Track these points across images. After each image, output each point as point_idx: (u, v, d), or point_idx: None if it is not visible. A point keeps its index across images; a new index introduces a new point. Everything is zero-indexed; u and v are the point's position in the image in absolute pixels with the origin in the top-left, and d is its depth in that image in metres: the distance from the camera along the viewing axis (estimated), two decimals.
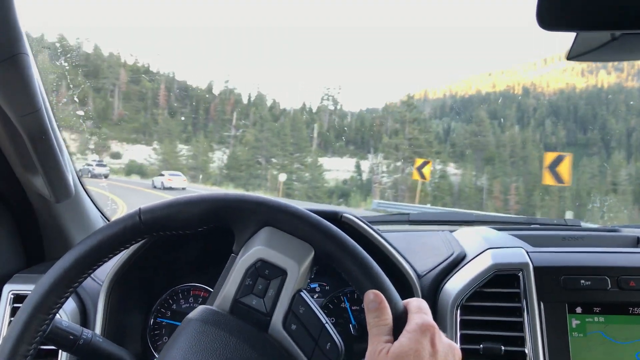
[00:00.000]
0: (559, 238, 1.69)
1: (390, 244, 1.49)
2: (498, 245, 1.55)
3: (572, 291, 1.37)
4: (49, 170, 1.33)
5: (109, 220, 1.89)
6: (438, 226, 2.09)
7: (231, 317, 0.91)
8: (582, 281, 1.37)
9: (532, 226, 2.02)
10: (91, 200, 1.82)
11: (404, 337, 0.83)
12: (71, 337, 1.06)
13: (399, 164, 33.27)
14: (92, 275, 1.25)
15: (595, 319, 1.35)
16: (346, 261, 0.92)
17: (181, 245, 1.57)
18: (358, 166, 35.70)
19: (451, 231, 1.89)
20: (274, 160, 33.52)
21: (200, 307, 0.93)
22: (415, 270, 1.51)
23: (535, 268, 1.40)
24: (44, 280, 0.93)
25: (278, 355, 0.88)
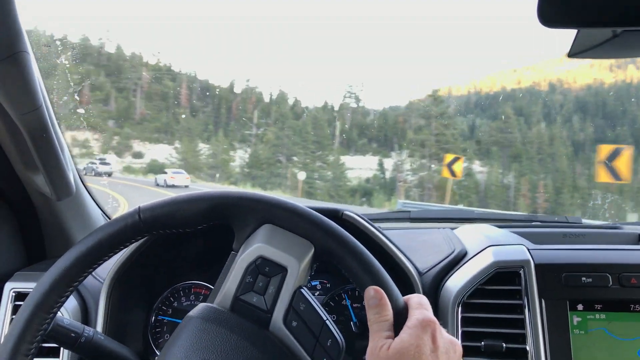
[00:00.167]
0: (560, 235, 1.69)
1: (392, 242, 1.48)
2: (499, 242, 1.55)
3: (574, 288, 1.37)
4: (49, 168, 1.33)
5: (109, 218, 1.89)
6: (439, 223, 2.09)
7: (232, 315, 0.91)
8: (584, 278, 1.37)
9: (533, 223, 2.02)
10: (92, 198, 1.83)
11: (404, 333, 0.83)
12: (73, 334, 1.06)
13: (424, 161, 31.74)
14: (93, 273, 1.26)
15: (597, 316, 1.35)
16: (346, 258, 0.92)
17: (182, 243, 1.57)
18: (381, 164, 34.77)
19: (452, 229, 1.89)
20: (295, 158, 33.11)
21: (201, 305, 0.93)
22: (416, 268, 1.51)
23: (536, 265, 1.40)
24: (44, 279, 0.93)
25: (279, 352, 0.88)
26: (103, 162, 24.10)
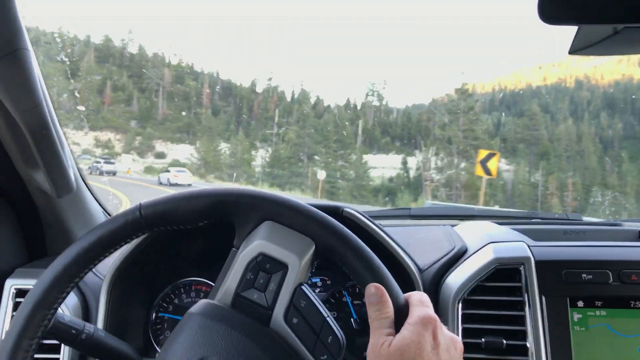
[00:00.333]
0: (561, 232, 1.69)
1: (392, 239, 1.49)
2: (499, 239, 1.55)
3: (574, 285, 1.37)
4: (50, 165, 1.34)
5: (110, 215, 1.89)
6: (439, 220, 2.10)
7: (233, 311, 0.91)
8: (584, 275, 1.36)
9: (533, 220, 2.02)
10: (92, 195, 1.83)
11: (405, 330, 0.83)
12: (73, 331, 1.07)
13: (452, 158, 30.59)
14: (93, 270, 1.27)
15: (597, 312, 1.35)
16: (347, 255, 0.92)
17: (183, 239, 1.58)
18: (405, 163, 34.39)
19: (452, 225, 1.89)
20: (316, 157, 32.93)
21: (202, 302, 0.93)
22: (416, 265, 1.51)
23: (536, 262, 1.40)
24: (45, 275, 0.93)
25: (280, 349, 0.88)
26: (107, 162, 24.44)
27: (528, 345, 1.32)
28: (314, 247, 0.95)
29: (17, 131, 1.28)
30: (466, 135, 29.98)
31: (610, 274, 1.36)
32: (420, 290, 1.42)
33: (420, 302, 0.89)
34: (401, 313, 0.88)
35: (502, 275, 1.41)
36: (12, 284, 1.48)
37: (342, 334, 0.92)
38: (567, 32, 0.93)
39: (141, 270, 1.51)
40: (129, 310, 1.52)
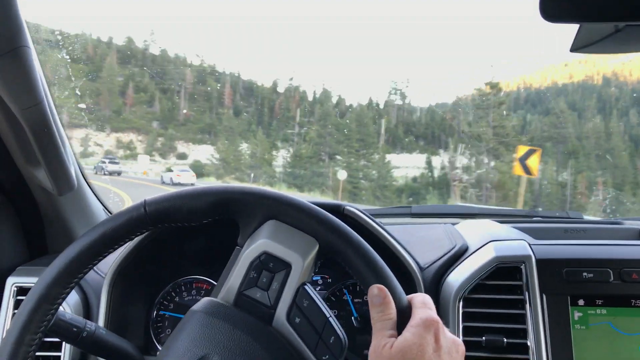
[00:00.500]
0: (561, 230, 1.69)
1: (393, 237, 1.48)
2: (500, 237, 1.55)
3: (575, 283, 1.37)
4: (51, 163, 1.34)
5: (111, 213, 1.87)
6: (440, 219, 2.10)
7: (235, 310, 0.91)
8: (585, 274, 1.36)
9: (534, 219, 2.02)
10: (94, 193, 1.83)
11: (407, 332, 0.83)
12: (74, 329, 1.07)
13: (482, 157, 28.55)
14: (95, 268, 1.27)
15: (598, 311, 1.35)
16: (351, 255, 0.93)
17: (184, 238, 1.58)
18: (429, 162, 33.72)
19: (453, 224, 1.89)
20: (338, 157, 32.58)
21: (205, 299, 0.94)
22: (417, 263, 1.51)
23: (537, 260, 1.39)
24: (49, 271, 0.93)
25: (282, 348, 0.88)
26: (112, 161, 24.61)
27: (529, 343, 1.32)
28: (317, 246, 0.95)
29: (18, 129, 1.28)
30: (497, 132, 28.26)
31: (611, 272, 1.36)
32: (421, 288, 1.43)
33: (423, 304, 0.89)
34: (404, 315, 0.88)
35: (503, 273, 1.40)
36: (13, 282, 1.49)
37: (344, 335, 0.93)
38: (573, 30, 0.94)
39: (142, 268, 1.51)
40: (130, 308, 1.52)
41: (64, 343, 1.39)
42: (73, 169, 1.44)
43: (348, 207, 1.47)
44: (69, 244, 0.96)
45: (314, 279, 1.64)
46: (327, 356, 0.90)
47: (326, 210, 0.97)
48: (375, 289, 0.89)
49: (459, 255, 1.55)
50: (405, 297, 0.92)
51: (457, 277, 1.44)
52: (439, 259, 1.55)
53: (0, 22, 1.04)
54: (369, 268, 0.92)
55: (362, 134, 32.68)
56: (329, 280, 1.64)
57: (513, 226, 1.69)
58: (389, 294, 0.89)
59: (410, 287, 1.43)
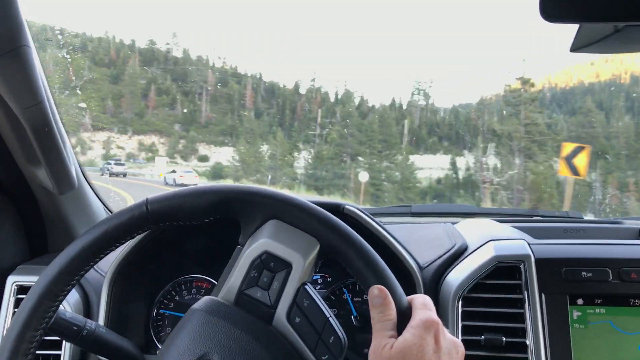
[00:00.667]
0: (561, 230, 1.69)
1: (392, 236, 1.49)
2: (500, 237, 1.55)
3: (574, 283, 1.37)
4: (51, 162, 1.34)
5: (111, 212, 1.88)
6: (440, 218, 2.10)
7: (236, 309, 0.92)
8: (584, 273, 1.37)
9: (533, 218, 2.02)
10: (94, 192, 1.84)
11: (407, 333, 0.84)
12: (75, 327, 1.07)
13: (513, 157, 26.43)
14: (95, 266, 1.28)
15: (597, 310, 1.36)
16: (352, 256, 0.93)
17: (184, 237, 1.59)
18: (453, 163, 33.04)
19: (453, 223, 1.89)
20: (360, 158, 32.26)
21: (205, 298, 0.94)
22: (417, 262, 1.51)
23: (536, 260, 1.40)
24: (51, 268, 0.94)
25: (282, 348, 0.89)
26: (118, 163, 25.07)
27: (527, 342, 1.32)
28: (318, 247, 0.95)
29: (19, 128, 1.29)
30: (529, 130, 26.52)
31: (610, 272, 1.36)
32: (420, 287, 1.44)
33: (423, 305, 0.90)
34: (404, 316, 0.88)
35: (502, 272, 1.41)
36: (13, 281, 1.49)
37: (344, 335, 0.93)
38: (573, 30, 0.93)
39: (142, 267, 1.52)
40: (130, 307, 1.53)
41: (64, 342, 1.40)
42: (74, 169, 1.44)
43: (348, 207, 1.48)
44: (69, 243, 0.96)
45: (314, 278, 1.65)
46: (326, 356, 0.90)
47: (326, 210, 0.97)
48: (376, 290, 0.89)
49: (459, 254, 1.55)
50: (406, 298, 0.92)
51: (457, 276, 1.44)
52: (439, 258, 1.55)
53: (0, 22, 1.05)
54: (369, 269, 0.92)
55: (385, 135, 32.21)
56: (329, 279, 1.65)
57: (513, 226, 1.69)
58: (389, 294, 0.89)
59: (410, 286, 1.43)
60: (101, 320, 1.42)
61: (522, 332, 1.34)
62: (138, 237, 1.41)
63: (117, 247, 0.98)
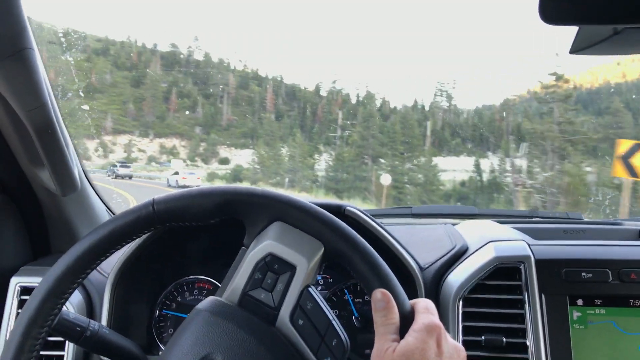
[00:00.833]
0: (561, 231, 1.70)
1: (393, 237, 1.49)
2: (500, 238, 1.55)
3: (574, 283, 1.37)
4: (55, 164, 1.34)
5: (114, 214, 1.90)
6: (441, 219, 2.10)
7: (239, 310, 0.92)
8: (584, 274, 1.37)
9: (534, 219, 2.02)
10: (97, 194, 1.84)
11: (410, 337, 0.84)
12: (78, 328, 1.07)
13: (547, 158, 24.09)
14: (98, 268, 1.29)
15: (597, 311, 1.36)
16: (356, 259, 0.93)
17: (186, 238, 1.60)
18: (477, 165, 32.52)
19: (453, 224, 1.90)
20: (382, 160, 31.91)
21: (210, 298, 0.95)
22: (417, 263, 1.52)
23: (536, 261, 1.40)
24: (57, 266, 0.94)
25: (284, 349, 0.89)
26: (123, 165, 25.52)
27: (528, 343, 1.33)
28: (322, 249, 0.96)
29: (22, 130, 1.29)
30: (563, 129, 24.38)
31: (610, 272, 1.36)
32: (421, 288, 1.44)
33: (425, 310, 0.90)
34: (406, 320, 0.88)
35: (503, 273, 1.41)
36: (17, 282, 1.50)
37: (347, 338, 0.93)
38: (572, 32, 0.93)
39: (145, 268, 1.52)
40: (132, 308, 1.54)
41: (67, 342, 1.41)
42: (76, 170, 1.45)
43: (349, 208, 1.48)
44: (72, 244, 0.97)
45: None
46: (329, 359, 0.91)
47: (327, 211, 0.98)
48: (379, 294, 0.89)
49: (459, 255, 1.56)
50: (409, 302, 0.92)
51: (457, 277, 1.45)
52: (439, 259, 1.55)
53: (4, 25, 1.06)
54: (373, 273, 0.92)
55: (407, 137, 31.73)
56: (330, 280, 1.65)
57: (513, 227, 1.70)
58: (392, 298, 0.89)
59: (411, 287, 1.43)
60: (104, 321, 1.43)
61: (523, 333, 1.35)
62: (140, 238, 1.42)
63: (122, 246, 0.99)
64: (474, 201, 26.90)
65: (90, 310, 1.51)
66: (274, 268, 0.95)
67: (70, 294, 0.96)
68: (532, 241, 1.50)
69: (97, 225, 0.99)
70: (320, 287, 1.64)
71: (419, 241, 1.70)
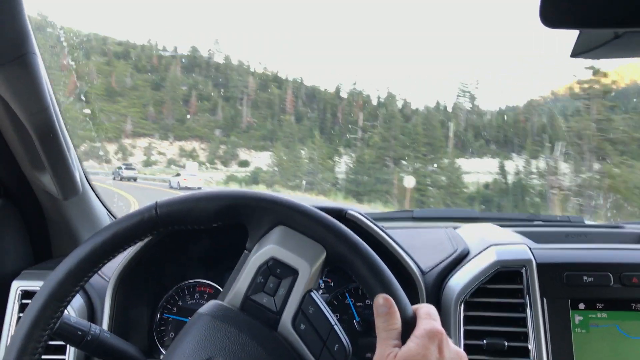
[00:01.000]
0: (562, 234, 1.70)
1: (395, 241, 1.49)
2: (501, 241, 1.55)
3: (575, 287, 1.37)
4: (56, 168, 1.35)
5: (115, 217, 1.91)
6: (442, 223, 2.09)
7: (241, 314, 0.92)
8: (585, 277, 1.37)
9: (535, 223, 2.02)
10: (98, 197, 1.84)
11: (412, 342, 0.84)
12: (79, 332, 1.07)
13: (584, 159, 21.75)
14: (99, 272, 1.30)
15: (598, 315, 1.35)
16: (358, 264, 0.93)
17: (187, 242, 1.60)
18: (502, 167, 31.95)
19: (455, 228, 1.90)
20: (403, 162, 31.52)
21: (212, 302, 0.95)
22: (419, 267, 1.51)
23: (538, 264, 1.40)
24: (60, 269, 0.94)
25: (286, 354, 0.89)
26: (128, 167, 25.90)
27: (529, 347, 1.32)
28: (325, 254, 0.95)
29: (24, 134, 1.30)
30: (601, 128, 22.23)
31: (612, 276, 1.36)
32: (422, 292, 1.44)
33: (427, 315, 0.90)
34: (408, 325, 0.88)
35: (504, 277, 1.41)
36: (18, 286, 1.50)
37: (349, 343, 0.93)
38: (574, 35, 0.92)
39: (146, 272, 1.53)
40: (133, 312, 1.54)
41: (68, 346, 1.41)
42: (78, 174, 1.46)
43: (350, 211, 1.48)
44: (73, 247, 0.97)
45: None
46: None
47: (329, 215, 0.97)
48: (381, 299, 0.89)
49: (460, 259, 1.56)
50: (411, 308, 0.92)
51: (459, 281, 1.45)
52: (441, 262, 1.55)
53: (7, 30, 1.07)
54: (376, 277, 0.92)
55: (430, 138, 31.27)
56: (331, 284, 1.65)
57: (514, 230, 1.70)
58: (394, 304, 0.89)
59: (412, 291, 1.43)
60: (105, 325, 1.43)
61: (524, 337, 1.34)
62: (141, 242, 1.40)
63: (125, 249, 0.99)
64: (498, 204, 26.10)
65: (92, 314, 1.51)
66: (276, 272, 0.94)
67: (72, 297, 0.96)
68: (533, 245, 1.50)
69: (99, 228, 1.00)
70: (321, 291, 1.64)
71: (420, 245, 1.69)
